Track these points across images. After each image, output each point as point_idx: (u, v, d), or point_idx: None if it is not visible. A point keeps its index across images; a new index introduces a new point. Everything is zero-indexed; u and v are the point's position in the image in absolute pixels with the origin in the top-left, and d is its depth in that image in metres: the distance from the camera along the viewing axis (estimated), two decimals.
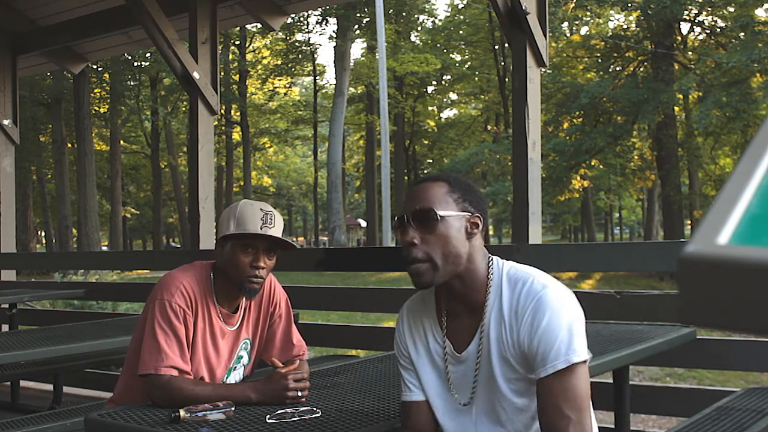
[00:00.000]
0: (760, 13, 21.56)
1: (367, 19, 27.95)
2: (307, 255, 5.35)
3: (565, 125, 24.86)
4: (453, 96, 37.38)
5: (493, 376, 1.57)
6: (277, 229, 2.07)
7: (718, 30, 23.15)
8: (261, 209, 2.07)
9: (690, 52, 23.75)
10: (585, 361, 1.49)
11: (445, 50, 32.31)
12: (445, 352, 1.64)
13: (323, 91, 37.33)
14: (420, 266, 1.52)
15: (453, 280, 1.56)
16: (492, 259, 1.61)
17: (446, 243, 1.53)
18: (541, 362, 1.48)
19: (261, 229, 2.03)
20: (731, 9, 21.89)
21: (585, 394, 1.48)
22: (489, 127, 35.28)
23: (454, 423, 1.65)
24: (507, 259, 1.64)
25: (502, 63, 28.66)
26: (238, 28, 26.37)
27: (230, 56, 30.26)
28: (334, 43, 28.14)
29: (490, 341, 1.57)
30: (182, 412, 1.76)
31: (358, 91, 33.74)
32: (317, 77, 35.76)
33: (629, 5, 22.89)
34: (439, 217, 1.54)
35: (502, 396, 1.57)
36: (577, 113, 23.68)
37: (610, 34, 26.34)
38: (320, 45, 48.29)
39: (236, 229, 2.04)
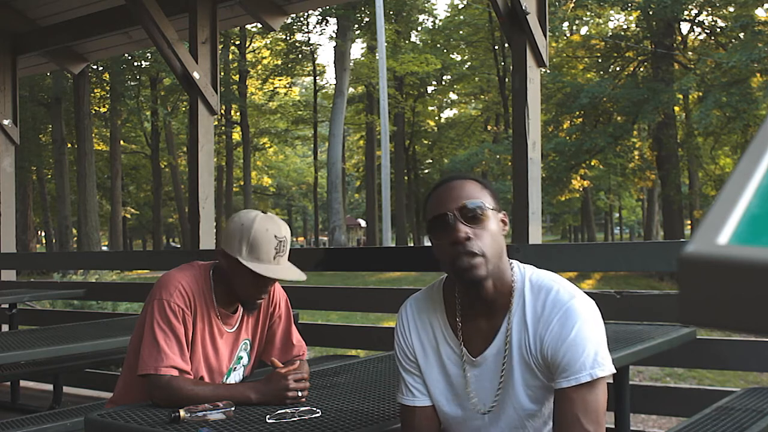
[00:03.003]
0: (760, 13, 21.57)
1: (367, 19, 27.94)
2: (307, 255, 5.35)
3: (565, 125, 24.86)
4: (453, 96, 37.37)
5: (512, 381, 1.54)
6: (286, 254, 2.06)
7: (718, 30, 23.15)
8: (275, 236, 2.02)
9: (690, 52, 23.74)
10: (604, 378, 1.47)
11: (445, 50, 32.29)
12: (462, 357, 1.59)
13: (323, 91, 37.32)
14: (475, 260, 1.47)
15: (488, 280, 1.51)
16: (512, 262, 1.59)
17: (493, 238, 1.50)
18: (564, 372, 1.45)
19: (274, 259, 2.01)
20: (731, 9, 21.90)
21: (603, 407, 1.47)
22: (489, 127, 35.28)
23: (464, 428, 1.62)
24: (527, 264, 1.62)
25: (502, 63, 28.65)
26: (238, 28, 26.35)
27: (230, 56, 30.25)
28: (334, 43, 28.13)
29: (512, 346, 1.54)
30: (182, 412, 1.76)
31: (358, 91, 33.74)
32: (317, 77, 35.76)
33: (629, 5, 22.89)
34: (488, 210, 1.51)
35: (517, 401, 1.55)
36: (577, 113, 23.68)
37: (610, 34, 26.36)
38: (320, 45, 48.35)
39: (248, 257, 2.01)
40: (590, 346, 1.45)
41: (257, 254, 2.00)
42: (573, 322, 1.46)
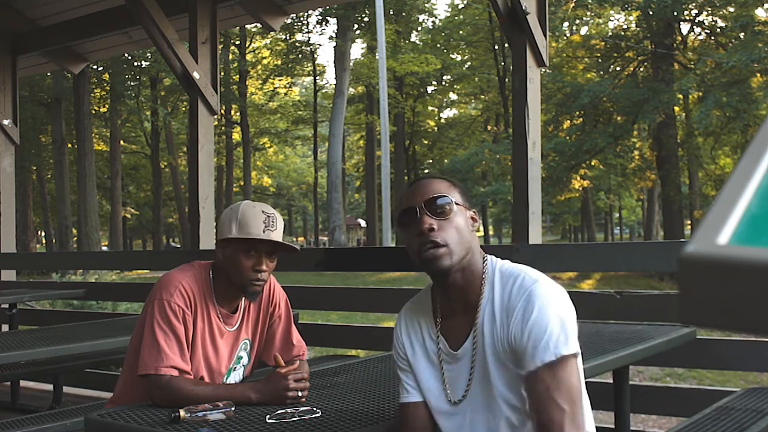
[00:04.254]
0: (760, 13, 21.56)
1: (367, 19, 27.94)
2: (307, 255, 5.35)
3: (565, 125, 24.86)
4: (453, 96, 37.38)
5: (487, 372, 1.57)
6: (278, 231, 2.07)
7: (718, 30, 23.15)
8: (263, 211, 2.06)
9: (690, 52, 23.74)
10: (575, 355, 1.49)
11: (445, 50, 32.30)
12: (439, 350, 1.65)
13: (323, 91, 37.33)
14: (439, 250, 1.53)
15: (456, 273, 1.57)
16: (486, 257, 1.64)
17: (459, 230, 1.56)
18: (531, 355, 1.47)
19: (264, 232, 2.02)
20: (731, 9, 21.89)
21: (577, 387, 1.48)
22: (489, 127, 35.28)
23: (449, 421, 1.66)
24: (505, 259, 1.66)
25: (502, 63, 28.65)
26: (238, 28, 26.35)
27: (230, 56, 30.26)
28: (334, 43, 28.14)
29: (484, 338, 1.57)
30: (182, 412, 1.76)
31: (358, 91, 33.74)
32: (317, 77, 35.77)
33: (629, 5, 22.88)
34: (454, 204, 1.57)
35: (498, 393, 1.56)
36: (577, 113, 23.68)
37: (610, 34, 26.35)
38: (320, 45, 48.35)
39: (239, 233, 2.03)
40: (553, 325, 1.47)
41: (247, 229, 2.03)
42: (534, 304, 1.49)
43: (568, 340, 1.48)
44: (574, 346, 1.48)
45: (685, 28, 24.70)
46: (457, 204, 1.58)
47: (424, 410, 1.68)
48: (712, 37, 23.74)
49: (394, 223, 1.65)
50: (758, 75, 20.14)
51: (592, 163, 24.45)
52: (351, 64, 28.75)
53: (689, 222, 29.45)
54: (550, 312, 1.48)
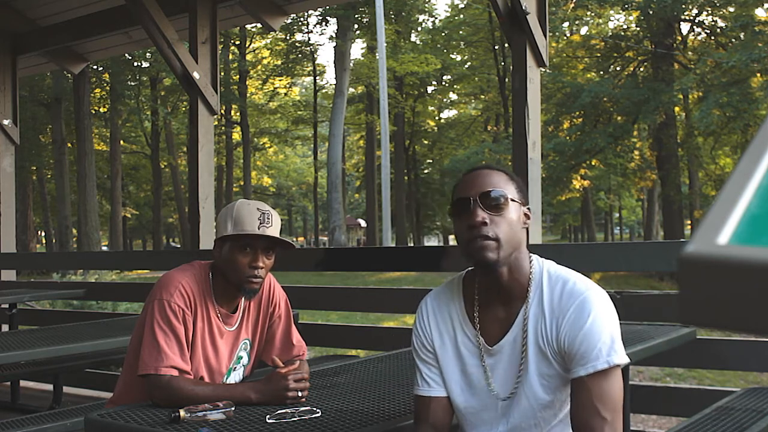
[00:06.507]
0: (760, 13, 21.55)
1: (367, 19, 27.94)
2: (307, 255, 5.36)
3: (565, 125, 24.86)
4: (453, 96, 37.37)
5: (527, 370, 1.58)
6: (274, 229, 2.07)
7: (718, 30, 23.15)
8: (258, 209, 2.06)
9: (690, 52, 23.74)
10: (620, 365, 1.52)
11: (445, 50, 32.30)
12: (479, 344, 1.63)
13: (323, 91, 37.32)
14: (489, 242, 1.53)
15: (503, 267, 1.56)
16: (531, 256, 1.64)
17: (510, 226, 1.56)
18: (581, 361, 1.50)
19: (258, 228, 2.03)
20: (731, 9, 21.89)
21: (620, 396, 1.51)
22: (489, 127, 35.28)
23: (477, 418, 1.64)
24: (549, 260, 1.67)
25: (502, 63, 28.65)
26: (238, 28, 26.35)
27: (230, 56, 30.26)
28: (334, 43, 28.14)
29: (527, 335, 1.58)
30: (182, 412, 1.76)
31: (358, 91, 33.74)
32: (317, 77, 35.77)
33: (629, 5, 22.88)
34: (509, 200, 1.57)
35: (531, 391, 1.58)
36: (577, 113, 23.68)
37: (610, 34, 26.35)
38: (320, 45, 48.37)
39: (234, 230, 2.03)
40: (606, 334, 1.50)
41: (241, 226, 2.03)
42: (588, 311, 1.51)
43: (619, 349, 1.51)
44: (623, 356, 1.51)
45: (685, 28, 24.72)
46: (512, 200, 1.58)
47: (444, 404, 1.66)
48: (712, 37, 23.74)
49: (448, 210, 1.65)
50: (758, 75, 20.13)
51: (592, 163, 24.46)
52: (351, 64, 28.76)
53: (689, 222, 29.45)
54: (604, 321, 1.51)
